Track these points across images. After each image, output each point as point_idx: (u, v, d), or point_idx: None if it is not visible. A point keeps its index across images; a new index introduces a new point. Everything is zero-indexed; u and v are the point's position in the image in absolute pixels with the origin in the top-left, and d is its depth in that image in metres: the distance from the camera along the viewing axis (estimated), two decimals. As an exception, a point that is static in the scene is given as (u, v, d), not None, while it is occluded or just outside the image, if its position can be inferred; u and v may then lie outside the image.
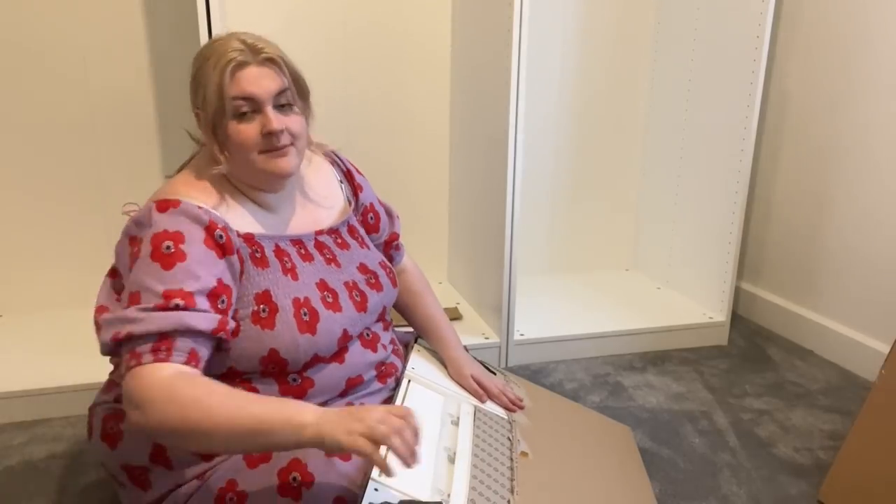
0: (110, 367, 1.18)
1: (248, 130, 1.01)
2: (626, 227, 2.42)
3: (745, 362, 1.91)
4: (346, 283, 1.14)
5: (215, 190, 1.05)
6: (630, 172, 2.36)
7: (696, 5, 2.03)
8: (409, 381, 1.20)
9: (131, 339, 0.92)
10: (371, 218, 1.28)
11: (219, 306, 0.97)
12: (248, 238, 1.05)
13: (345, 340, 1.10)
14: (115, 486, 1.12)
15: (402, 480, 0.93)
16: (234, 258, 1.02)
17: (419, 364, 1.28)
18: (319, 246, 1.15)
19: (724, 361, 1.91)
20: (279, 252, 1.08)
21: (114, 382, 1.13)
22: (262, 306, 1.02)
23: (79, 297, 1.95)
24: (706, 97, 2.02)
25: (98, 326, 1.00)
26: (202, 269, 0.97)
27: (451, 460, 1.05)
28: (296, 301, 1.05)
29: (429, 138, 2.14)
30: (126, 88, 1.89)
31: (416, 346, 1.33)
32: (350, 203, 1.25)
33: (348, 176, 1.26)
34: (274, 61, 1.02)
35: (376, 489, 0.91)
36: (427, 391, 1.20)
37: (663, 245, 2.29)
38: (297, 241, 1.12)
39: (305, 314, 1.05)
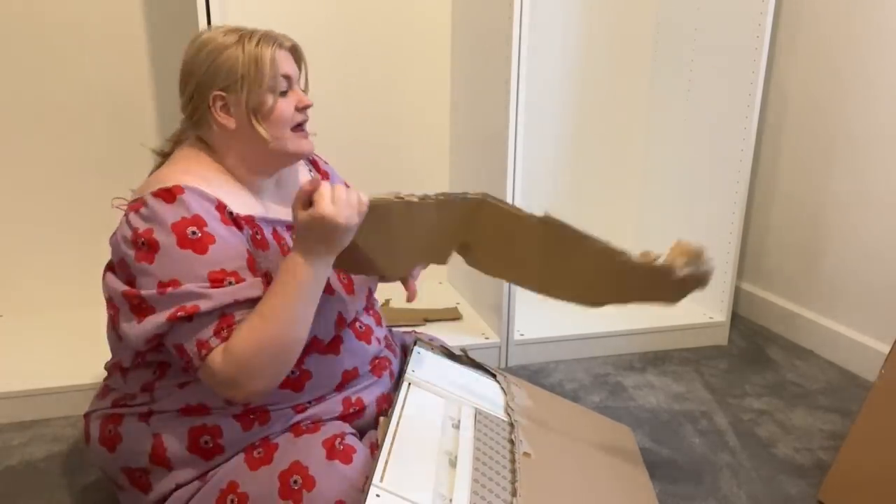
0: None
1: (287, 106, 1.07)
2: (626, 227, 2.42)
3: (745, 362, 1.92)
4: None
5: (208, 176, 1.05)
6: (630, 172, 2.36)
7: (696, 5, 2.02)
8: (409, 384, 1.20)
9: (193, 317, 0.94)
10: None
11: (257, 274, 1.01)
12: (249, 220, 1.06)
13: (340, 326, 1.11)
14: (114, 489, 1.13)
15: (405, 486, 0.94)
16: (244, 234, 1.04)
17: (419, 367, 1.28)
18: None
19: (724, 361, 1.91)
20: (277, 236, 1.09)
21: (109, 388, 1.13)
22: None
23: (79, 297, 1.95)
24: (706, 97, 2.02)
25: (134, 312, 0.97)
26: (233, 246, 0.99)
27: (453, 464, 1.05)
28: None
29: (429, 137, 2.14)
30: (126, 86, 1.88)
31: (415, 349, 1.33)
32: None
33: (315, 164, 1.29)
34: (296, 49, 1.11)
35: (378, 495, 0.90)
36: (427, 394, 1.20)
37: (663, 245, 2.27)
38: (291, 227, 1.12)
39: None
